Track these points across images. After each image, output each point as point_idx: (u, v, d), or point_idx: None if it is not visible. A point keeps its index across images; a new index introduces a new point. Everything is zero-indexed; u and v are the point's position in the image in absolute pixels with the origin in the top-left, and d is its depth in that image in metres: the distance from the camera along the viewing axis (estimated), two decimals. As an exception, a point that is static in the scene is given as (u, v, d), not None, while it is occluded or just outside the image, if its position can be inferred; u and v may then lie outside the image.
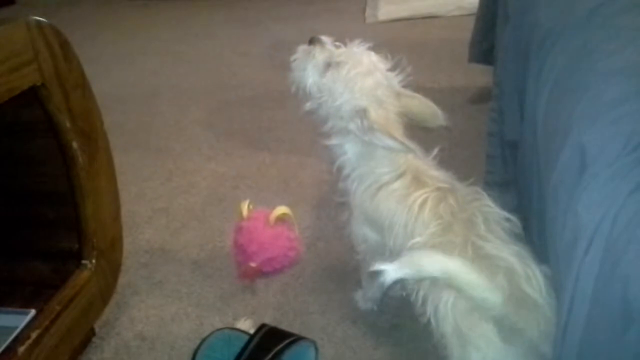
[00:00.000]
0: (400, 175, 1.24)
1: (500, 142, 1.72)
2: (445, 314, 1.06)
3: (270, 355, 1.26)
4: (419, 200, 1.17)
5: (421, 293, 1.12)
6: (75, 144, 1.33)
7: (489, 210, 1.14)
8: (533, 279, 1.01)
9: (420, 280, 1.09)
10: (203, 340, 1.36)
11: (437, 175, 1.24)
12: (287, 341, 1.29)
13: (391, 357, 1.42)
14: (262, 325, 1.35)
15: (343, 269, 1.72)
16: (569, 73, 1.11)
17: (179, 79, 3.38)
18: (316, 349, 1.34)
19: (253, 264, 1.67)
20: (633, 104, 0.88)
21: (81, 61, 1.34)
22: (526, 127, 1.35)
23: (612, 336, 0.71)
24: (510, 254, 1.05)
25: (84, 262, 1.43)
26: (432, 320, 1.11)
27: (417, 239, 1.14)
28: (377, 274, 0.95)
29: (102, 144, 1.43)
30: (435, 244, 1.10)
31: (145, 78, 3.42)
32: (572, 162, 0.90)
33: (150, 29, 4.40)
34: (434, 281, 1.07)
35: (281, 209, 1.76)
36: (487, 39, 2.40)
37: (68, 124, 1.31)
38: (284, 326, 1.44)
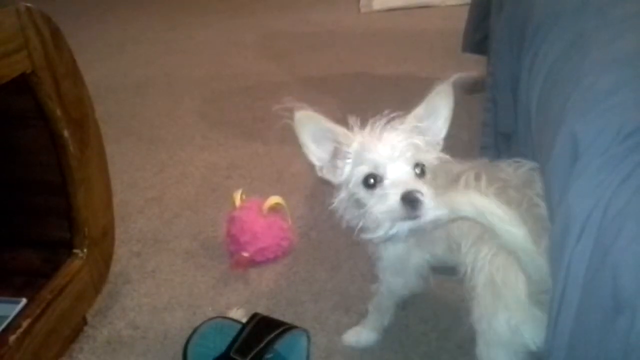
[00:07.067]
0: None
1: (494, 132, 1.72)
2: (483, 266, 1.06)
3: (262, 345, 1.26)
4: (472, 174, 1.13)
5: (463, 245, 1.11)
6: (66, 133, 1.32)
7: None
8: None
9: (454, 219, 1.06)
10: (195, 330, 1.36)
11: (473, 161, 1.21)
12: (279, 330, 1.29)
13: (383, 345, 1.42)
14: (255, 315, 1.35)
15: (336, 259, 1.72)
16: (562, 63, 1.11)
17: (171, 69, 3.36)
18: (308, 337, 1.34)
19: (245, 254, 1.67)
20: (625, 94, 0.88)
21: (73, 49, 1.32)
22: (520, 116, 1.35)
23: (603, 324, 0.71)
24: None
25: (75, 251, 1.42)
26: (469, 271, 1.09)
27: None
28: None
29: (94, 132, 1.42)
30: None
31: (137, 67, 3.40)
32: (565, 152, 0.90)
33: (143, 17, 4.37)
34: (479, 236, 1.07)
35: (274, 199, 1.76)
36: (480, 28, 2.39)
37: (59, 113, 1.29)
38: (277, 315, 1.44)
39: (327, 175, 1.16)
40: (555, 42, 1.18)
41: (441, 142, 1.15)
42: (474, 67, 2.58)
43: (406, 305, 1.45)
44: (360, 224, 1.11)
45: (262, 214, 1.72)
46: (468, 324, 1.11)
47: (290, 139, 1.16)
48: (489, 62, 2.00)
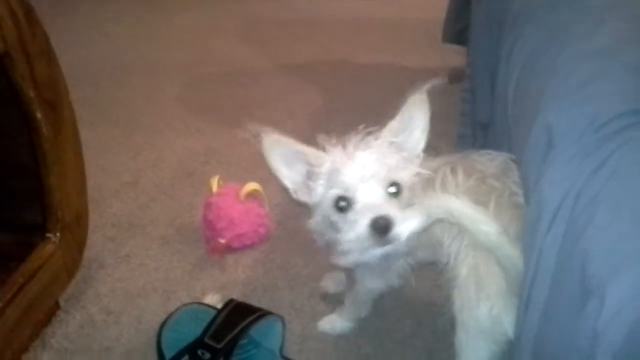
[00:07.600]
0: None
1: (472, 122, 1.73)
2: (466, 256, 1.06)
3: (237, 330, 1.25)
4: (448, 169, 1.12)
5: (446, 236, 1.10)
6: (39, 115, 1.30)
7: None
8: None
9: (430, 225, 1.04)
10: (170, 315, 1.35)
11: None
12: (254, 316, 1.29)
13: (357, 331, 1.43)
14: (230, 301, 1.35)
15: (312, 246, 1.72)
16: (540, 54, 1.11)
17: (151, 53, 3.31)
18: (283, 324, 1.34)
19: (222, 240, 1.66)
20: (601, 85, 0.89)
21: (50, 32, 1.30)
22: (497, 107, 1.36)
23: (571, 310, 0.72)
24: None
25: (48, 235, 1.40)
26: (451, 260, 1.09)
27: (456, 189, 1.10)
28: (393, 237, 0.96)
29: (68, 115, 1.40)
30: (477, 192, 1.08)
31: (116, 51, 3.34)
32: (540, 141, 0.91)
33: (123, 0, 4.30)
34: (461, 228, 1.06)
35: (252, 185, 1.75)
36: (460, 19, 2.40)
37: (32, 94, 1.27)
38: (253, 302, 1.43)
39: (302, 197, 1.13)
40: (533, 32, 1.18)
41: (421, 155, 1.11)
42: (454, 58, 2.59)
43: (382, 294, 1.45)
44: (337, 247, 1.08)
45: (239, 200, 1.72)
46: (448, 314, 1.11)
47: (270, 126, 1.14)
48: (468, 53, 2.01)
